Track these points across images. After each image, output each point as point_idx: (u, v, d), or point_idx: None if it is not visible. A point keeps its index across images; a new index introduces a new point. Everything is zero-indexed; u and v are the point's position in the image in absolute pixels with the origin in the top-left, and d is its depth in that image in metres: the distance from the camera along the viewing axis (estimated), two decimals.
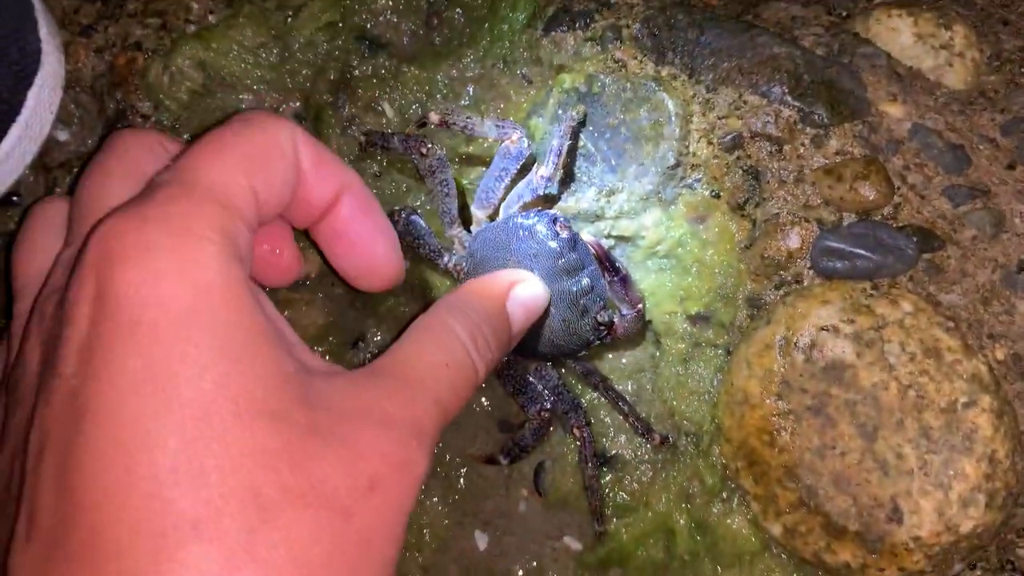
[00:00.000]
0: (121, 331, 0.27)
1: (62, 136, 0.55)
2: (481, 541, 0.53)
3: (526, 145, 0.48)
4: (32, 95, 0.50)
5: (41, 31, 0.51)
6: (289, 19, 0.56)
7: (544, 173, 0.48)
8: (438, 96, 0.54)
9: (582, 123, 0.50)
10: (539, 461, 0.51)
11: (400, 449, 0.31)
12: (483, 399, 0.52)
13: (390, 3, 0.56)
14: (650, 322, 0.50)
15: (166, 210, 0.29)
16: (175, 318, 0.27)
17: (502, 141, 0.49)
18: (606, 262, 0.46)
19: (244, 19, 0.56)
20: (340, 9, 0.56)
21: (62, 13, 0.57)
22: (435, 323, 0.37)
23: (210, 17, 0.57)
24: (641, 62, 0.51)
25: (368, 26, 0.56)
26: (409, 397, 0.33)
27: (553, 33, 0.53)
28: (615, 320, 0.47)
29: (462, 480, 0.53)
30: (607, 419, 0.50)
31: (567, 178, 0.51)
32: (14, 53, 0.49)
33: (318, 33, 0.56)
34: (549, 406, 0.47)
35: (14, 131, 0.50)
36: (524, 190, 0.48)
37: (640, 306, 0.47)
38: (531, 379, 0.48)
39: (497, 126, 0.49)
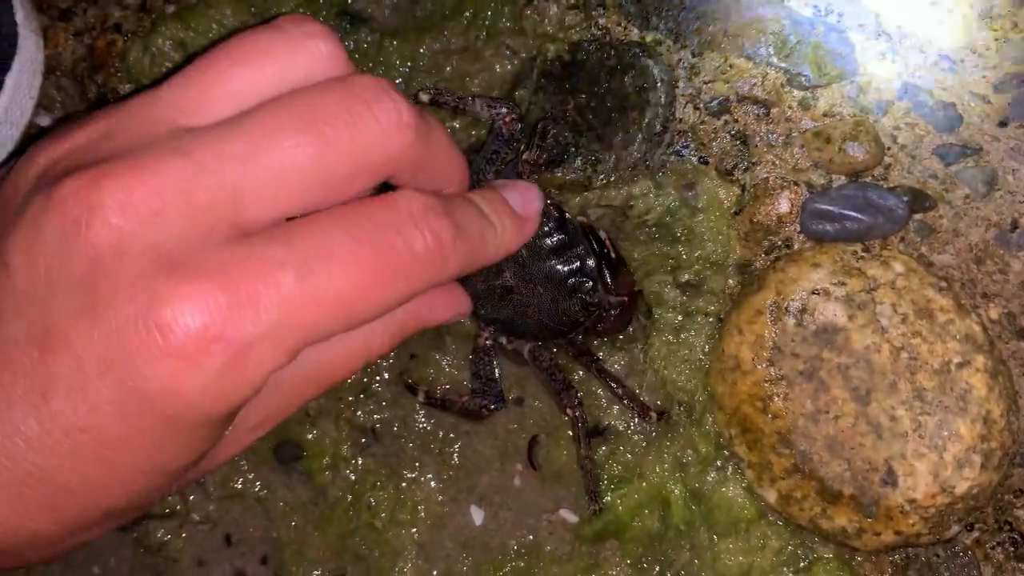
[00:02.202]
0: None
1: (44, 122, 0.55)
2: (477, 516, 0.53)
3: (519, 127, 0.48)
4: (10, 80, 0.50)
5: (17, 15, 0.51)
6: None
7: (529, 158, 0.47)
8: (421, 70, 0.54)
9: (556, 119, 0.49)
10: (533, 435, 0.51)
11: None
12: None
13: None
14: (640, 292, 0.49)
15: None
16: None
17: (494, 122, 0.48)
18: (594, 243, 0.46)
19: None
20: None
21: None
22: None
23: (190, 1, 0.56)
24: (625, 29, 0.51)
25: (349, 1, 0.55)
26: None
27: (536, 2, 0.52)
28: (604, 305, 0.47)
29: (456, 456, 0.53)
30: (599, 391, 0.50)
31: (556, 158, 0.50)
32: None
33: (298, 9, 0.55)
34: (493, 407, 0.48)
35: None
36: (510, 173, 0.48)
37: (624, 297, 0.46)
38: (495, 368, 0.49)
39: (489, 106, 0.48)
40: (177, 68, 0.54)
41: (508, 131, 0.47)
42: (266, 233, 0.26)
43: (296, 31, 0.29)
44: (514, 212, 0.37)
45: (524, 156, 0.47)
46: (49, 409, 0.24)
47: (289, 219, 0.28)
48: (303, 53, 0.29)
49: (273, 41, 0.29)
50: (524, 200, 0.39)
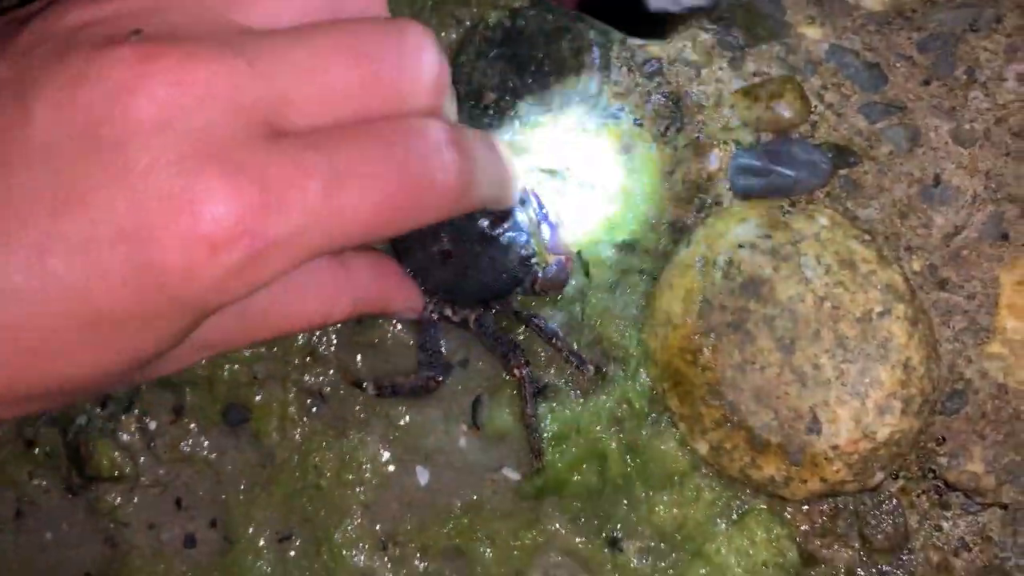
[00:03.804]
0: None
1: None
2: (422, 476, 0.53)
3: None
4: None
5: None
6: None
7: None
8: None
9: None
10: (476, 395, 0.52)
11: None
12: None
13: None
14: (579, 253, 0.50)
15: None
16: None
17: None
18: (535, 202, 0.47)
19: None
20: None
21: None
22: None
23: None
24: None
25: None
26: None
27: None
28: (539, 269, 0.48)
29: (402, 418, 0.53)
30: (538, 350, 0.51)
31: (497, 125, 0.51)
32: None
33: None
34: (440, 379, 0.49)
35: None
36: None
37: (563, 258, 0.47)
38: (439, 340, 0.50)
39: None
40: None
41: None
42: (303, 137, 0.27)
43: None
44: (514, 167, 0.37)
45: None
46: (49, 267, 0.24)
47: None
48: None
49: None
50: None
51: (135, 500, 0.56)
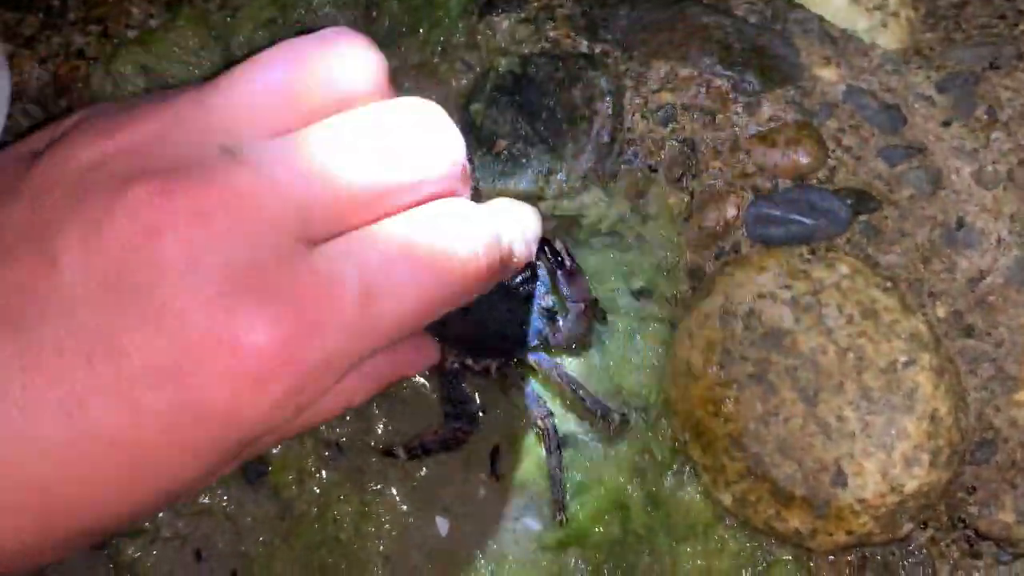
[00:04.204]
0: None
1: None
2: (442, 527, 0.53)
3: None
4: None
5: None
6: (229, 19, 0.56)
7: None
8: None
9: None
10: (494, 444, 0.52)
11: None
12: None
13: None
14: (596, 299, 0.50)
15: None
16: None
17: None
18: (549, 252, 0.46)
19: (184, 21, 0.57)
20: (279, 6, 0.56)
21: (4, 27, 0.57)
22: None
23: (151, 22, 0.57)
24: (574, 41, 0.51)
25: (307, 21, 0.56)
26: None
27: (489, 17, 0.53)
28: (559, 318, 0.47)
29: (420, 468, 0.53)
30: (557, 399, 0.50)
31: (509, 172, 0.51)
32: None
33: (258, 31, 0.56)
34: (469, 430, 0.48)
35: None
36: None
37: (582, 304, 0.47)
38: (464, 390, 0.49)
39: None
40: (140, 91, 0.56)
41: None
42: (331, 246, 0.26)
43: (343, 42, 0.29)
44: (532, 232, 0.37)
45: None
46: (85, 418, 0.23)
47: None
48: (351, 65, 0.29)
49: (320, 51, 0.29)
50: (534, 223, 0.39)
51: (154, 553, 0.56)
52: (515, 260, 0.33)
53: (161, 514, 0.55)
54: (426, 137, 0.29)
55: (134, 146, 0.26)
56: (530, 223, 0.35)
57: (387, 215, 0.28)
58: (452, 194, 0.30)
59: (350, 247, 0.27)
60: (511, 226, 0.33)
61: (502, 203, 0.36)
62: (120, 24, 0.57)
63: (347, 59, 0.29)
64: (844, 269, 0.45)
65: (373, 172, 0.27)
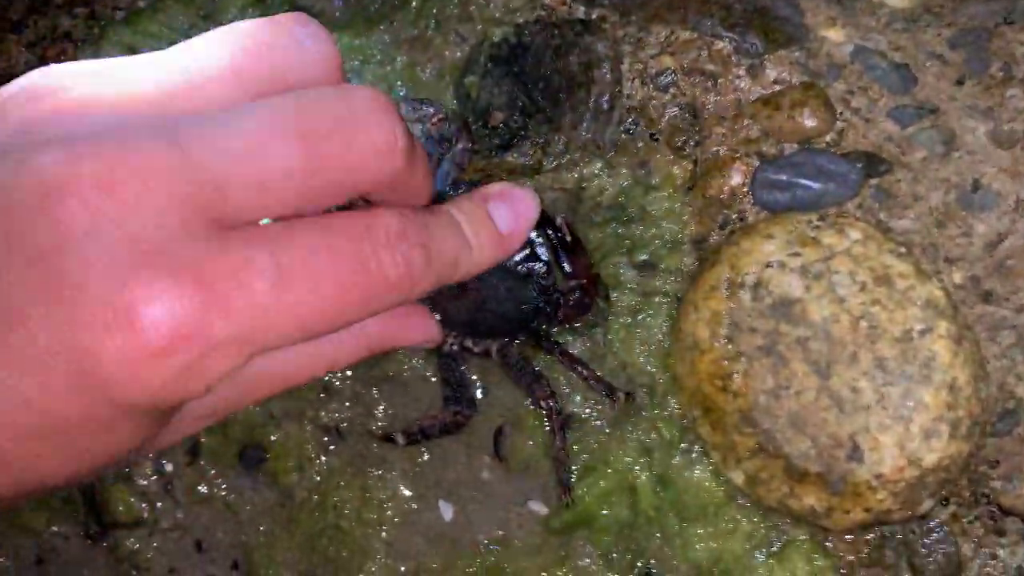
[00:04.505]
0: None
1: None
2: (446, 512, 0.52)
3: (448, 126, 0.47)
4: None
5: None
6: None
7: (462, 145, 0.46)
8: (373, 62, 0.53)
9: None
10: (498, 426, 0.50)
11: None
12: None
13: None
14: (599, 275, 0.48)
15: None
16: None
17: (423, 123, 0.47)
18: (549, 228, 0.45)
19: (172, 1, 0.55)
20: None
21: None
22: None
23: (139, 3, 0.56)
24: (570, 8, 0.50)
25: (296, 0, 0.55)
26: None
27: None
28: (562, 289, 0.46)
29: (422, 452, 0.52)
30: (560, 378, 0.49)
31: (504, 143, 0.49)
32: None
33: (247, 9, 0.55)
34: (468, 413, 0.47)
35: None
36: (449, 166, 0.47)
37: (583, 280, 0.45)
38: (463, 373, 0.48)
39: (414, 108, 0.48)
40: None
41: (438, 132, 0.46)
42: (245, 233, 0.26)
43: (298, 29, 0.28)
44: (496, 231, 0.36)
45: (459, 147, 0.46)
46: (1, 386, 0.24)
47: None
48: (301, 52, 0.28)
49: (274, 36, 0.28)
50: (513, 215, 0.37)
51: (155, 544, 0.55)
52: (458, 270, 0.32)
53: (160, 504, 0.54)
54: (364, 128, 0.27)
55: (59, 111, 0.26)
56: (484, 224, 0.34)
57: (312, 207, 0.27)
58: (397, 190, 0.29)
59: (267, 234, 0.26)
60: (456, 238, 0.32)
61: (464, 202, 0.34)
62: (107, 6, 0.56)
63: (297, 43, 0.28)
64: (855, 235, 0.43)
65: (299, 160, 0.26)
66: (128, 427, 0.26)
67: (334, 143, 0.27)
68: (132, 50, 0.54)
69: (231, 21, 0.54)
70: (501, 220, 0.35)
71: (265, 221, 0.27)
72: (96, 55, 0.54)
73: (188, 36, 0.54)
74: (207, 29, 0.57)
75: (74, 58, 0.55)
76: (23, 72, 0.55)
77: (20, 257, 0.24)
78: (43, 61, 0.55)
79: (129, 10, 0.56)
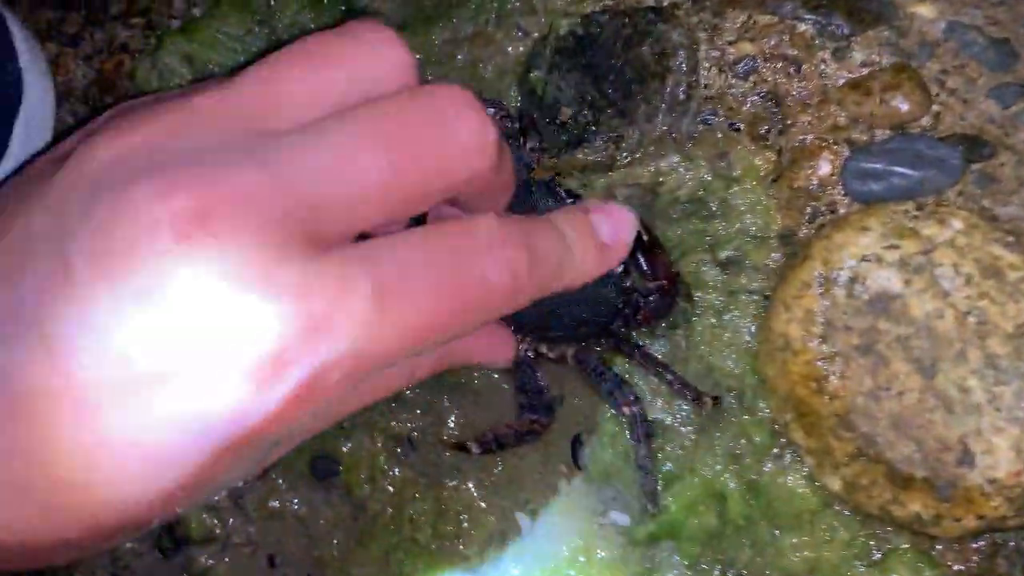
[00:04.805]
0: None
1: None
2: (524, 524, 0.50)
3: (511, 124, 0.46)
4: (18, 129, 0.49)
5: (21, 59, 0.49)
6: (272, 2, 0.54)
7: (531, 144, 0.45)
8: (432, 61, 0.52)
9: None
10: (575, 434, 0.48)
11: None
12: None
13: None
14: (679, 273, 0.46)
15: None
16: None
17: None
18: None
19: (227, 7, 0.55)
20: None
21: (47, 26, 0.56)
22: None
23: (194, 10, 0.55)
24: None
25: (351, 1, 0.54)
26: None
27: None
28: (641, 290, 0.44)
29: (499, 463, 0.50)
30: (641, 384, 0.47)
31: (575, 139, 0.48)
32: None
33: (303, 12, 0.54)
34: (546, 421, 0.45)
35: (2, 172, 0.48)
36: (518, 165, 0.45)
37: (663, 280, 0.43)
38: (539, 379, 0.46)
39: None
40: (188, 82, 0.54)
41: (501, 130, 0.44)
42: (341, 250, 0.25)
43: (370, 36, 0.28)
44: (600, 241, 0.35)
45: (527, 146, 0.44)
46: (101, 420, 0.23)
47: (361, 235, 0.27)
48: (376, 59, 0.28)
49: (345, 45, 0.28)
50: (615, 228, 0.36)
51: (227, 560, 0.54)
52: (567, 278, 0.31)
53: (231, 520, 0.53)
54: (453, 128, 0.27)
55: (148, 143, 0.26)
56: (587, 234, 0.33)
57: (406, 213, 0.27)
58: (486, 189, 0.29)
59: (365, 250, 0.26)
60: (555, 241, 0.31)
61: (563, 212, 0.33)
62: (163, 15, 0.55)
63: (370, 50, 0.28)
64: (958, 224, 0.41)
65: (390, 169, 0.26)
66: (227, 462, 0.25)
67: (424, 147, 0.26)
68: (189, 59, 0.53)
69: (287, 24, 0.54)
70: (604, 231, 0.34)
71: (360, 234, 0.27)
72: (154, 66, 0.53)
73: (244, 42, 0.54)
74: (263, 34, 0.56)
75: (132, 70, 0.54)
76: (81, 85, 0.54)
77: (127, 296, 0.23)
78: (101, 74, 0.55)
79: (184, 19, 0.55)
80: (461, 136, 0.27)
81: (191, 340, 0.23)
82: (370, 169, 0.25)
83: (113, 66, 0.55)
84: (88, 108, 0.55)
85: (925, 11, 0.44)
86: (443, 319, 0.26)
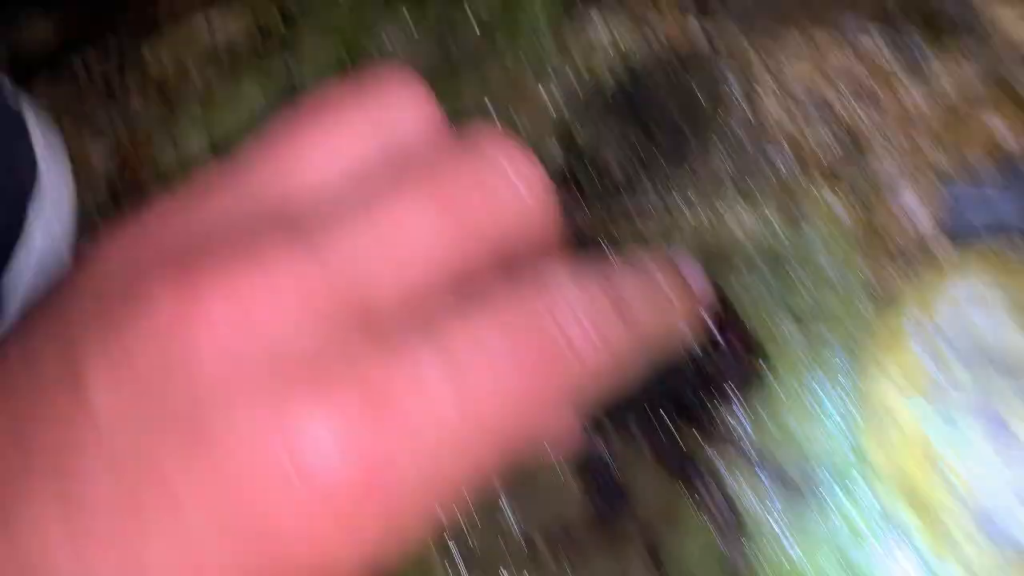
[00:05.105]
0: None
1: None
2: None
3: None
4: (38, 224, 0.47)
5: (37, 148, 0.48)
6: (291, 65, 0.52)
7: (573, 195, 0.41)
8: (462, 112, 0.49)
9: None
10: (651, 529, 0.43)
11: None
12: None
13: (398, 27, 0.51)
14: (753, 335, 0.41)
15: None
16: None
17: None
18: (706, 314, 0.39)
19: (246, 79, 0.53)
20: (343, 46, 0.52)
21: (64, 102, 0.55)
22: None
23: (212, 84, 0.53)
24: (684, 26, 0.44)
25: (376, 55, 0.51)
26: None
27: (581, 17, 0.46)
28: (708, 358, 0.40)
29: (566, 572, 0.45)
30: (721, 468, 0.42)
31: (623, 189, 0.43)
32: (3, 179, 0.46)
33: (321, 74, 0.52)
34: (614, 511, 0.41)
35: (22, 257, 0.46)
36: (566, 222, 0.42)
37: (736, 342, 0.40)
38: (607, 462, 0.42)
39: None
40: (205, 153, 0.52)
41: None
42: (400, 329, 0.21)
43: (392, 82, 0.26)
44: (690, 289, 0.30)
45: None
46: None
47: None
48: (399, 107, 0.25)
49: (367, 96, 0.25)
50: (692, 277, 0.31)
51: None
52: (667, 331, 0.27)
53: None
54: (503, 175, 0.24)
55: (166, 233, 0.22)
56: (678, 279, 0.28)
57: (470, 284, 0.23)
58: (543, 231, 0.25)
59: (425, 325, 0.21)
60: (645, 288, 0.27)
61: (642, 259, 0.29)
62: (180, 88, 0.53)
63: (398, 103, 0.25)
64: None
65: (443, 233, 0.22)
66: None
67: (476, 202, 0.23)
68: (208, 132, 0.51)
69: (311, 86, 0.51)
70: (690, 279, 0.29)
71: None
72: (171, 140, 0.52)
73: (266, 112, 0.51)
74: (287, 98, 0.54)
75: (148, 143, 0.52)
76: (100, 162, 0.51)
77: (155, 419, 0.19)
78: (118, 148, 0.53)
79: (202, 91, 0.53)
80: (514, 186, 0.24)
81: (237, 467, 0.19)
82: (421, 236, 0.22)
83: (130, 140, 0.53)
84: (106, 183, 0.54)
85: (1013, 18, 0.39)
86: (526, 397, 0.22)
